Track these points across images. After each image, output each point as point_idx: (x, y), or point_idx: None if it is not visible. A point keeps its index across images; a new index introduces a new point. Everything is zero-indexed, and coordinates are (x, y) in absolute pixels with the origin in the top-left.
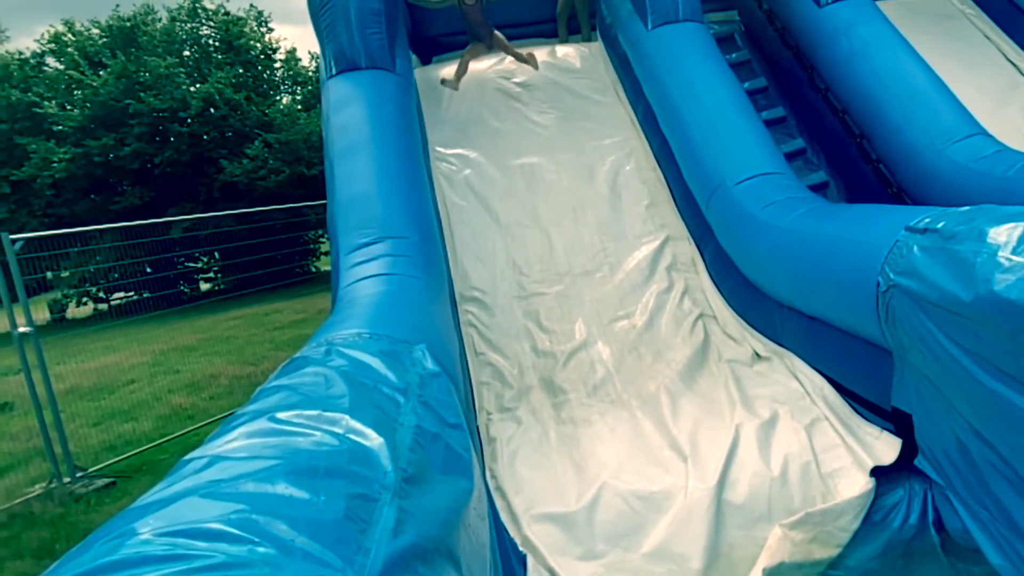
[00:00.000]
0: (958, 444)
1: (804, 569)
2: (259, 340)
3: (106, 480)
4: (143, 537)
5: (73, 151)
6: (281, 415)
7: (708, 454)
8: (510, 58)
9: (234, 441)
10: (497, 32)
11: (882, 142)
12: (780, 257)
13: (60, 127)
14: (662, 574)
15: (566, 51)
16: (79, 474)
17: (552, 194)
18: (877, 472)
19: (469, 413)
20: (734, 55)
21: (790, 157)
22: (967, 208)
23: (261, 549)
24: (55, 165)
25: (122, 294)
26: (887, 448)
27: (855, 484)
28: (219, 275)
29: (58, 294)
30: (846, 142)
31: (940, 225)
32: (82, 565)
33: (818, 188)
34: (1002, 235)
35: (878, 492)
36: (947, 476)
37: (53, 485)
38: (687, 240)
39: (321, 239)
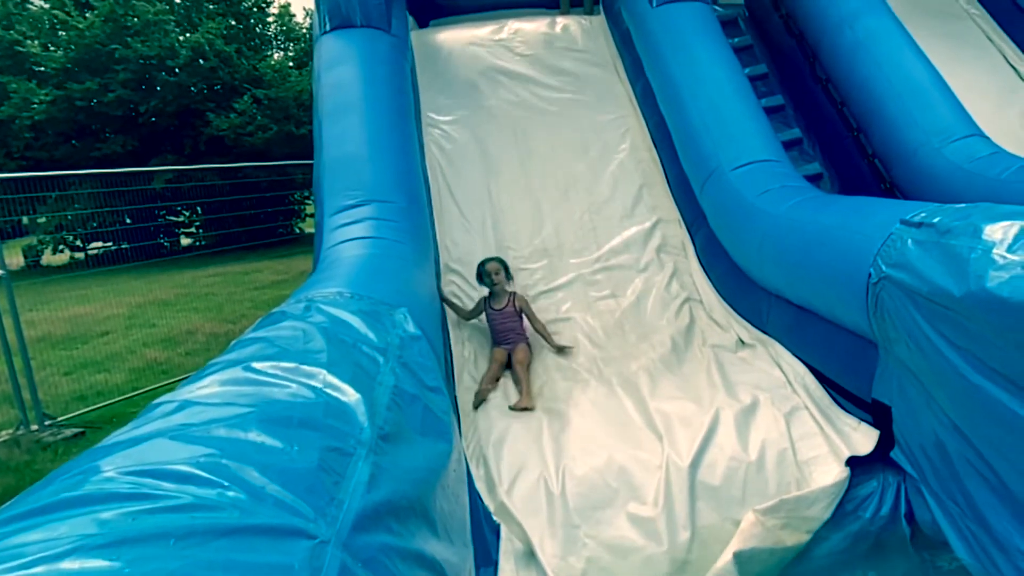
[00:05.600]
0: (935, 438)
1: (775, 554)
2: (238, 298)
3: (75, 430)
4: (107, 475)
5: (55, 93)
6: (257, 365)
7: (686, 435)
8: (510, 28)
9: (207, 388)
10: (525, 347)
11: (879, 137)
12: (772, 245)
13: (42, 68)
14: (634, 549)
15: (567, 23)
16: (47, 422)
17: (544, 168)
18: (853, 462)
19: (448, 383)
20: (737, 39)
21: (786, 146)
22: (964, 204)
23: (231, 493)
24: (35, 106)
25: (100, 244)
26: (864, 439)
27: (830, 473)
28: (200, 230)
29: (33, 240)
30: (843, 135)
31: (936, 220)
32: (42, 499)
33: (812, 179)
34: (997, 232)
35: (852, 482)
36: (921, 469)
37: (20, 432)
38: (678, 223)
39: (306, 200)
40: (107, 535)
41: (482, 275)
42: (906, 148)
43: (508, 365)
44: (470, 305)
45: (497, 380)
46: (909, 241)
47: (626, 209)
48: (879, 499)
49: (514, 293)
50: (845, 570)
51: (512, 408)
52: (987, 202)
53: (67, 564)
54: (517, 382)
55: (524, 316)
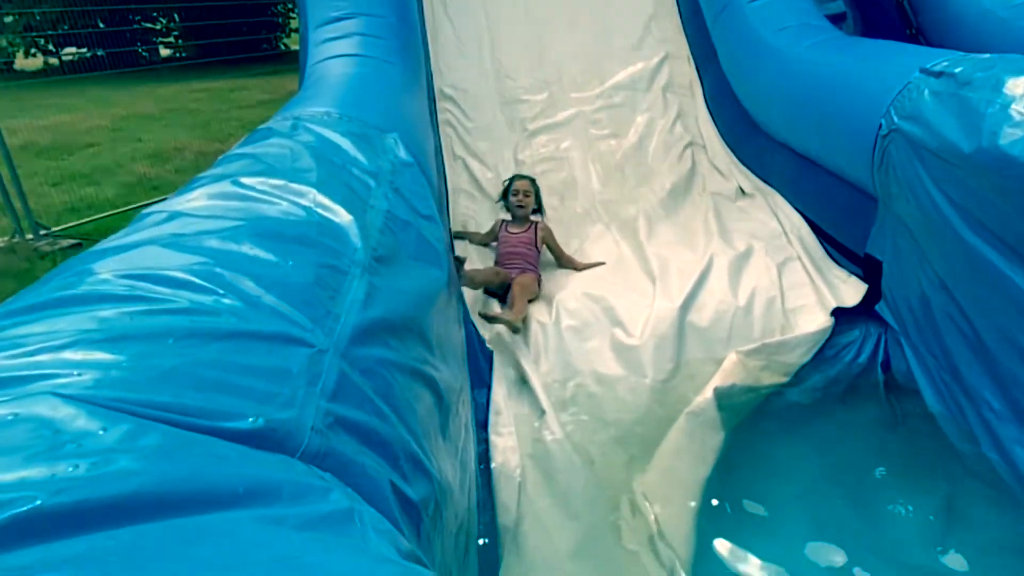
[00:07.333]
0: (921, 294)
1: (752, 392)
2: (225, 116)
3: (71, 241)
4: (103, 277)
5: None
6: (245, 180)
7: (678, 278)
8: None
9: (195, 201)
10: (533, 276)
11: None
12: (783, 86)
13: None
14: (620, 380)
15: None
16: (43, 232)
17: None
18: (838, 313)
19: (444, 216)
20: None
21: None
22: (989, 55)
23: (227, 300)
24: None
25: (74, 49)
26: (852, 291)
27: (814, 321)
28: (179, 40)
29: (2, 41)
30: None
31: (957, 70)
32: (41, 296)
33: (834, 19)
34: (1020, 87)
35: (835, 330)
36: (904, 322)
37: (15, 240)
38: (687, 60)
39: (291, 13)
40: (107, 331)
41: (508, 192)
42: None
43: (504, 293)
44: (482, 225)
45: (479, 286)
46: (926, 92)
47: (633, 42)
48: (859, 347)
49: (537, 223)
50: (818, 409)
51: (487, 316)
52: (1016, 54)
53: (69, 354)
54: (510, 304)
55: (543, 249)
